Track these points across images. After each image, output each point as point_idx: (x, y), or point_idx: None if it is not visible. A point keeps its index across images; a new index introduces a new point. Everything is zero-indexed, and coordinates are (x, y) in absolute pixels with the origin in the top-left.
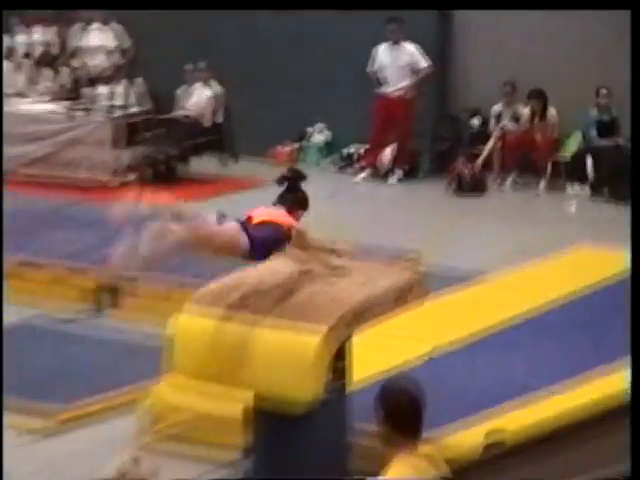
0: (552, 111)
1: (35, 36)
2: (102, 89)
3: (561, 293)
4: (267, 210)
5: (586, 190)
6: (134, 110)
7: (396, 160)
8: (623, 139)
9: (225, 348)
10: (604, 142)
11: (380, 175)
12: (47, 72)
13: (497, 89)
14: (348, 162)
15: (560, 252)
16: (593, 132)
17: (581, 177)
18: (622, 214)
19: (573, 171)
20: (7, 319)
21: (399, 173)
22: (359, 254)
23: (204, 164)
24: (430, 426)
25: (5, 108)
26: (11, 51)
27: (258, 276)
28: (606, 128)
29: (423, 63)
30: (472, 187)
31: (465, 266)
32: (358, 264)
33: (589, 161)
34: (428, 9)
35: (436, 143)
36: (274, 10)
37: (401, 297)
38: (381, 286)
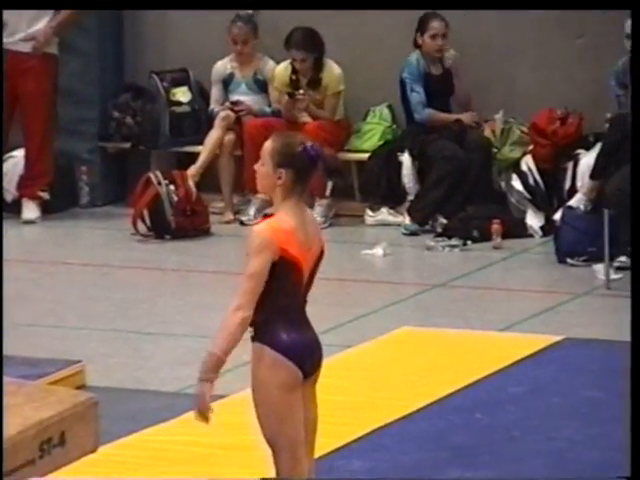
0: (333, 68)
1: None
2: None
3: None
4: None
5: (402, 217)
6: None
7: (29, 179)
8: (473, 115)
9: None
10: (439, 117)
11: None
12: None
13: (218, 38)
14: None
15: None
16: (417, 99)
17: (391, 194)
18: (469, 263)
19: (375, 183)
20: None
21: (35, 204)
22: None
23: None
24: None
25: None
26: None
27: None
28: (440, 92)
29: None
30: (180, 224)
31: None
32: None
33: (406, 162)
34: (428, 9)
35: (109, 141)
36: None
37: (52, 442)
38: (11, 424)
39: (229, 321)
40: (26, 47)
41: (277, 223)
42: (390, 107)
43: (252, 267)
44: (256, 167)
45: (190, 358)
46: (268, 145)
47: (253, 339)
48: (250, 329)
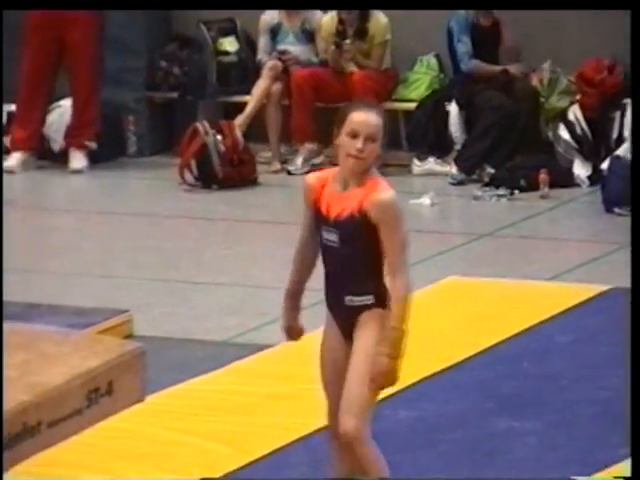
0: (380, 18)
1: None
2: None
3: None
4: None
5: (449, 167)
6: None
7: (76, 129)
8: (520, 65)
9: None
10: (485, 69)
11: (49, 158)
12: None
13: None
14: None
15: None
16: (463, 49)
17: (439, 143)
18: (516, 212)
19: (422, 132)
20: None
21: (82, 153)
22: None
23: None
24: None
25: None
26: None
27: None
28: (488, 43)
29: None
30: (227, 174)
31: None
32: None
33: (453, 112)
34: (428, 9)
35: (156, 91)
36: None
37: (99, 391)
38: (58, 373)
39: (409, 295)
40: None
41: (392, 189)
42: (437, 56)
43: (402, 238)
44: (364, 147)
45: (237, 308)
46: (377, 121)
47: (373, 306)
48: (369, 297)
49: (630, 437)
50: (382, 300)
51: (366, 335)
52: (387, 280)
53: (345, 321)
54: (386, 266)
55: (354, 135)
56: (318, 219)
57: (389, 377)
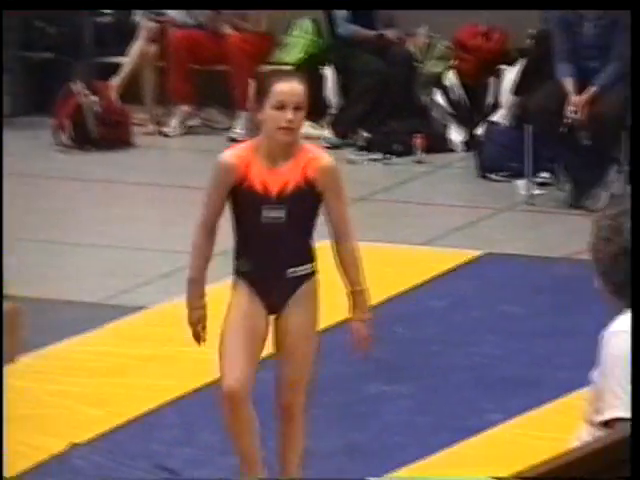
0: None
1: None
2: None
3: None
4: None
5: (324, 131)
6: None
7: None
8: (396, 30)
9: None
10: (361, 33)
11: None
12: None
13: None
14: None
15: None
16: (340, 14)
17: (314, 107)
18: (391, 177)
19: None
20: None
21: None
22: None
23: None
24: None
25: None
26: None
27: None
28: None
29: None
30: (102, 135)
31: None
32: None
33: (329, 75)
34: (427, 9)
35: (31, 50)
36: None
37: None
38: None
39: (359, 254)
40: None
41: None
42: (314, 20)
43: (346, 201)
44: (294, 117)
45: (112, 269)
46: (301, 90)
47: (311, 275)
48: (309, 265)
49: (631, 435)
50: (315, 265)
51: (305, 312)
52: (334, 244)
53: (279, 293)
54: (334, 230)
55: (281, 107)
56: (252, 199)
57: (368, 340)
